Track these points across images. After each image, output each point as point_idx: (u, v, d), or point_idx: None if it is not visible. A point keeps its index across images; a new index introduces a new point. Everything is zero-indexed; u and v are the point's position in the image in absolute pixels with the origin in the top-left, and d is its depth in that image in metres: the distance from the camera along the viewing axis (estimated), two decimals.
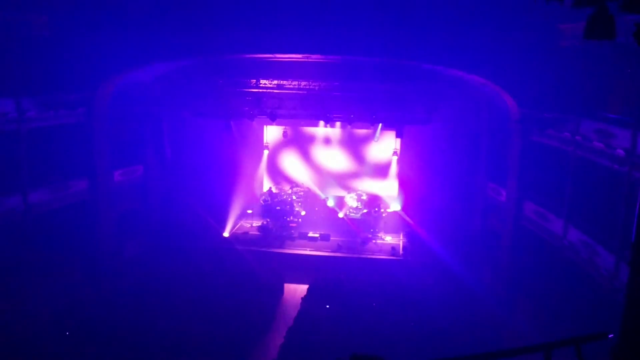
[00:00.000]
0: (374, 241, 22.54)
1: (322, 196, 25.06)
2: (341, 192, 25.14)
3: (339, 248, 21.45)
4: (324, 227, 23.24)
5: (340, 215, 24.21)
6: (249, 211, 24.46)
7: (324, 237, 22.32)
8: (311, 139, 25.51)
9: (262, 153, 26.03)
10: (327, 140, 25.34)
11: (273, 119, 21.92)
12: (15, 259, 16.34)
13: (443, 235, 21.42)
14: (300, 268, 20.48)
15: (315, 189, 25.41)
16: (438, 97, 21.42)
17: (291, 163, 25.94)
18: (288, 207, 24.52)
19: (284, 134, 25.35)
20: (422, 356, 13.58)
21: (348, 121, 22.25)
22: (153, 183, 22.72)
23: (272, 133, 25.94)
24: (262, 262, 20.47)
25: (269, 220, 23.91)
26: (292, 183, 25.67)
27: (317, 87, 21.65)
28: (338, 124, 23.56)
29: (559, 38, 15.34)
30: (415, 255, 20.94)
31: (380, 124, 23.19)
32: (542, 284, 16.24)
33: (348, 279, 19.07)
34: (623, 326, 4.16)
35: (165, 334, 14.64)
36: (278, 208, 24.55)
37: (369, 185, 25.25)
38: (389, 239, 22.71)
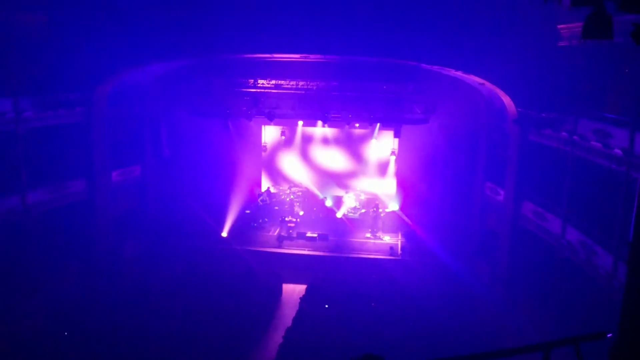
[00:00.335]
0: (372, 241, 22.55)
1: (321, 196, 25.06)
2: (339, 192, 25.14)
3: (337, 248, 21.44)
4: (323, 227, 23.23)
5: (339, 215, 24.22)
6: (247, 211, 24.44)
7: (323, 237, 22.31)
8: (309, 139, 25.51)
9: (260, 153, 26.03)
10: (325, 140, 25.34)
11: (271, 118, 21.92)
12: (13, 259, 16.31)
13: (441, 235, 21.44)
14: (299, 268, 20.46)
15: (314, 188, 25.41)
16: (436, 97, 21.45)
17: (289, 163, 25.94)
18: (286, 206, 24.52)
19: (282, 133, 25.35)
20: (420, 356, 13.58)
21: (346, 121, 22.25)
22: (151, 183, 22.70)
23: (270, 133, 25.94)
24: (260, 262, 20.45)
25: (267, 220, 23.91)
26: (291, 183, 25.67)
27: (315, 87, 21.67)
28: (336, 123, 23.56)
29: (557, 38, 15.37)
30: (414, 255, 20.94)
31: (379, 124, 23.21)
32: (540, 284, 16.28)
33: (346, 278, 19.07)
34: (621, 325, 4.17)
35: (163, 333, 14.61)
36: (276, 208, 24.56)
37: (368, 185, 25.26)
38: (387, 239, 22.71)
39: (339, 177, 25.51)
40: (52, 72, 17.19)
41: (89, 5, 17.14)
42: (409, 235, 22.38)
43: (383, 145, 24.86)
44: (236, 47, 18.23)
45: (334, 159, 25.52)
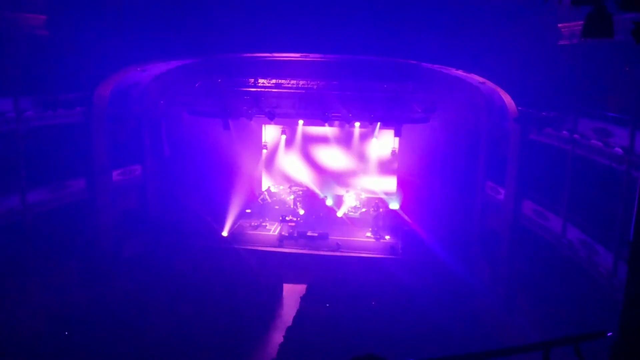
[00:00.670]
0: (372, 240, 22.55)
1: (321, 195, 25.06)
2: (340, 191, 25.14)
3: (337, 247, 21.45)
4: (323, 227, 23.24)
5: (339, 214, 24.22)
6: (248, 210, 24.46)
7: (323, 236, 22.32)
8: (310, 138, 25.51)
9: (261, 152, 26.03)
10: (325, 139, 25.34)
11: (271, 118, 21.92)
12: (13, 259, 16.32)
13: (441, 234, 21.43)
14: (299, 267, 20.47)
15: (314, 188, 25.41)
16: (436, 96, 21.44)
17: (290, 162, 25.94)
18: (287, 206, 24.53)
19: (283, 133, 25.34)
20: (421, 355, 13.57)
21: (347, 120, 22.25)
22: (151, 182, 22.70)
23: (270, 132, 25.94)
24: (260, 261, 20.46)
25: (267, 219, 23.92)
26: (291, 182, 25.67)
27: (315, 86, 21.67)
28: (337, 122, 23.56)
29: (558, 37, 15.35)
30: (414, 254, 20.94)
31: (379, 123, 23.20)
32: (540, 283, 16.26)
33: (347, 278, 19.07)
34: (622, 324, 4.16)
35: (164, 333, 14.62)
36: (277, 207, 24.56)
37: (368, 183, 25.26)
38: (387, 238, 22.72)
39: (339, 176, 25.51)
40: (52, 71, 17.18)
41: (90, 4, 17.13)
42: (409, 235, 22.37)
43: (383, 144, 24.86)
44: (236, 47, 18.22)
45: (335, 158, 25.52)
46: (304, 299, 17.49)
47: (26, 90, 16.81)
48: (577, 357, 3.66)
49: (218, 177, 24.16)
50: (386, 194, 25.05)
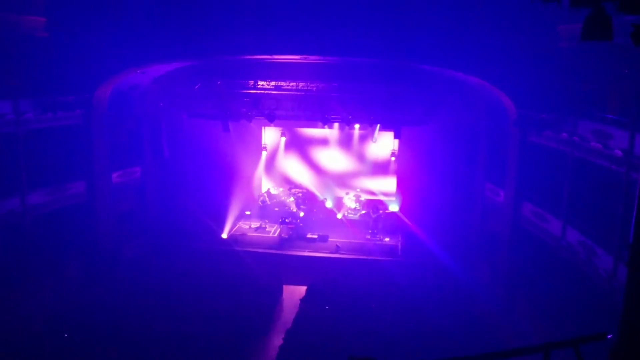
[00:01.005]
0: (372, 242, 22.55)
1: (321, 197, 25.06)
2: (340, 193, 25.15)
3: (337, 249, 21.44)
4: (323, 228, 23.23)
5: (339, 216, 24.22)
6: (248, 212, 24.44)
7: (323, 238, 22.31)
8: (309, 140, 25.52)
9: (261, 154, 26.03)
10: (325, 141, 25.35)
11: (271, 120, 21.94)
12: (13, 261, 16.30)
13: (441, 236, 21.43)
14: (299, 269, 20.46)
15: (314, 189, 25.41)
16: (436, 98, 21.45)
17: (289, 164, 25.95)
18: (286, 208, 24.52)
19: (282, 134, 25.35)
20: (420, 357, 13.57)
21: (346, 122, 22.26)
22: (151, 184, 22.70)
23: (270, 134, 25.94)
24: (260, 263, 20.44)
25: (267, 221, 23.91)
26: (291, 184, 25.67)
27: (315, 88, 21.68)
28: (336, 124, 23.57)
29: (557, 39, 15.37)
30: (414, 256, 20.94)
31: (379, 125, 23.21)
32: (540, 285, 16.25)
33: (346, 280, 19.06)
34: (622, 327, 4.16)
35: (163, 335, 14.60)
36: (276, 209, 24.55)
37: (368, 184, 25.27)
38: (387, 240, 22.72)
39: (339, 178, 25.51)
40: (52, 74, 17.18)
41: (89, 6, 17.14)
42: (409, 237, 22.39)
43: (383, 146, 24.86)
44: (236, 49, 18.22)
45: (334, 160, 25.53)
46: (303, 301, 17.48)
47: (26, 92, 16.80)
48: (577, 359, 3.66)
49: (218, 179, 24.16)
50: (386, 195, 25.05)
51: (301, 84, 21.71)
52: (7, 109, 16.27)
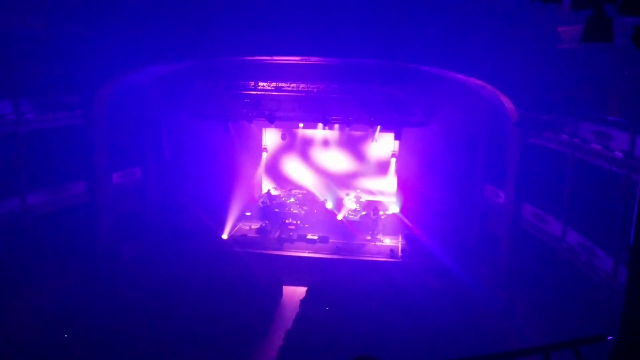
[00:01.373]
0: (372, 243, 22.55)
1: (321, 198, 25.06)
2: (340, 194, 25.14)
3: (337, 250, 21.43)
4: (323, 229, 23.23)
5: (339, 217, 24.21)
6: (248, 213, 24.44)
7: (323, 239, 22.30)
8: (310, 141, 25.52)
9: (261, 155, 26.03)
10: (325, 142, 25.35)
11: (271, 121, 21.95)
12: (13, 261, 16.30)
13: (441, 237, 21.43)
14: (299, 270, 20.46)
15: (314, 190, 25.41)
16: (436, 100, 21.47)
17: (290, 165, 25.95)
18: (287, 209, 24.52)
19: (283, 135, 25.35)
20: (420, 358, 13.57)
21: (346, 123, 22.27)
22: (151, 185, 22.70)
23: (270, 135, 25.95)
24: (260, 264, 20.44)
25: (267, 222, 23.90)
26: (291, 185, 25.67)
27: (315, 90, 21.70)
28: (336, 125, 23.57)
29: (557, 41, 15.38)
30: (414, 258, 20.94)
31: (379, 126, 23.22)
32: (540, 286, 16.26)
33: (347, 281, 19.06)
34: (622, 328, 4.16)
35: (163, 336, 14.60)
36: (277, 210, 24.55)
37: (369, 184, 25.26)
38: (387, 241, 22.71)
39: (339, 179, 25.51)
40: (52, 74, 17.20)
41: (90, 7, 17.15)
42: (409, 238, 22.38)
43: (383, 147, 24.86)
44: (237, 50, 18.24)
45: (335, 161, 25.52)
46: (303, 302, 17.48)
47: (26, 93, 16.81)
48: None
49: (218, 179, 24.15)
50: (386, 197, 25.04)
51: (302, 85, 21.73)
52: (8, 109, 16.28)
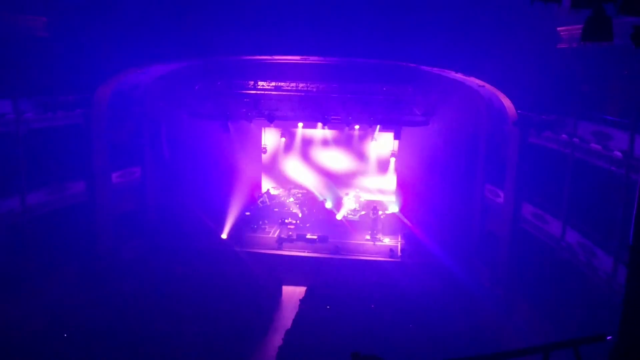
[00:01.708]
0: (372, 243, 22.55)
1: (321, 198, 25.06)
2: (339, 194, 25.14)
3: (337, 250, 21.43)
4: (322, 229, 23.21)
5: (339, 217, 24.20)
6: (247, 213, 24.44)
7: (322, 239, 22.29)
8: (309, 141, 25.52)
9: (260, 154, 26.03)
10: (325, 142, 25.35)
11: (271, 120, 21.94)
12: (13, 261, 16.30)
13: (441, 237, 21.43)
14: (299, 270, 20.45)
15: (314, 190, 25.40)
16: (436, 99, 21.47)
17: (289, 164, 25.95)
18: (286, 208, 24.51)
19: (282, 135, 25.35)
20: (420, 358, 13.57)
21: (346, 123, 22.27)
22: (151, 185, 22.69)
23: (270, 135, 25.95)
24: (260, 264, 20.43)
25: (267, 221, 23.90)
26: (291, 184, 25.67)
27: (315, 89, 21.69)
28: (336, 125, 23.57)
29: (557, 40, 15.38)
30: (414, 257, 20.93)
31: (378, 126, 23.21)
32: (540, 286, 16.26)
33: (346, 280, 19.05)
34: (621, 328, 4.16)
35: (162, 335, 14.59)
36: (276, 210, 24.54)
37: (368, 185, 25.26)
38: (387, 241, 22.71)
39: (339, 179, 25.51)
40: (52, 73, 17.18)
41: (89, 6, 17.14)
42: (408, 237, 22.38)
43: (383, 146, 24.86)
44: (236, 49, 18.23)
45: (334, 160, 25.52)
46: (303, 301, 17.47)
47: (26, 92, 16.81)
48: None
49: (218, 179, 24.15)
50: (385, 196, 25.04)
51: (301, 85, 21.73)
52: (7, 109, 16.28)
